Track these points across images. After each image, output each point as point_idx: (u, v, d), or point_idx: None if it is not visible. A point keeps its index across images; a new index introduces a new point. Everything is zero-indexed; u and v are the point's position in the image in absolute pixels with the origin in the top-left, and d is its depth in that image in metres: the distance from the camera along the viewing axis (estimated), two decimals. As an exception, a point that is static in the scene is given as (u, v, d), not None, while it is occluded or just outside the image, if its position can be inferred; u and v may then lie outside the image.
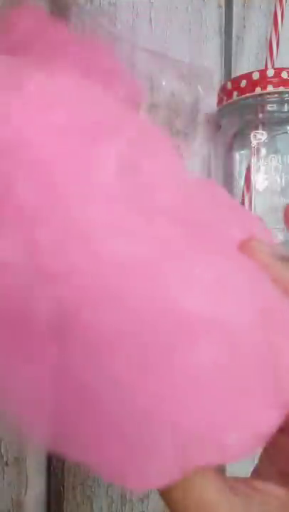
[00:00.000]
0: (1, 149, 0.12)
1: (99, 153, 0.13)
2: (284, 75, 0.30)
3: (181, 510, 0.13)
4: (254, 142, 0.32)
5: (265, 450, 0.16)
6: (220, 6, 0.38)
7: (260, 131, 0.32)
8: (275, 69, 0.31)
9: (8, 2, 0.34)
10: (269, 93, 0.31)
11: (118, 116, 0.15)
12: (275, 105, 0.32)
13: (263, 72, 0.31)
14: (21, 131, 0.12)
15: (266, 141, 0.32)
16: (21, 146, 0.12)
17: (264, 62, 0.34)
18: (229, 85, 0.32)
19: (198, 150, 0.37)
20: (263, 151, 0.32)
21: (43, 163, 0.12)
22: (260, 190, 0.32)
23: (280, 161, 0.32)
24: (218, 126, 0.37)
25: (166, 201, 0.14)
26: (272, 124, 0.32)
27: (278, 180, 0.32)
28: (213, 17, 0.37)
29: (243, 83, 0.31)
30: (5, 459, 0.38)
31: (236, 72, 0.37)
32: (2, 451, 0.38)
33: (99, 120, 0.14)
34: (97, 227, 0.12)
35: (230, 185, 0.34)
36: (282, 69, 0.30)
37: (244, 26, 0.38)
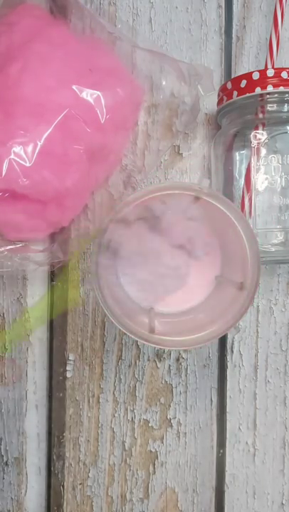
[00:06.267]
0: None
1: None
2: (284, 75, 0.30)
3: None
4: (254, 142, 0.32)
5: None
6: (220, 6, 0.38)
7: (260, 131, 0.32)
8: (275, 69, 0.31)
9: (8, 1, 0.34)
10: (269, 93, 0.31)
11: None
12: (275, 105, 0.32)
13: (263, 72, 0.31)
14: None
15: (266, 141, 0.32)
16: None
17: (264, 62, 0.34)
18: (229, 85, 0.32)
19: (198, 150, 0.37)
20: (263, 151, 0.32)
21: None
22: (260, 190, 0.32)
23: (280, 161, 0.32)
24: (218, 126, 0.37)
25: None
26: (272, 124, 0.32)
27: (278, 180, 0.32)
28: (213, 17, 0.37)
29: (243, 83, 0.31)
30: (5, 459, 0.38)
31: (236, 72, 0.37)
32: (2, 451, 0.38)
33: None
34: None
35: (230, 185, 0.33)
36: (282, 69, 0.30)
37: (244, 26, 0.38)
